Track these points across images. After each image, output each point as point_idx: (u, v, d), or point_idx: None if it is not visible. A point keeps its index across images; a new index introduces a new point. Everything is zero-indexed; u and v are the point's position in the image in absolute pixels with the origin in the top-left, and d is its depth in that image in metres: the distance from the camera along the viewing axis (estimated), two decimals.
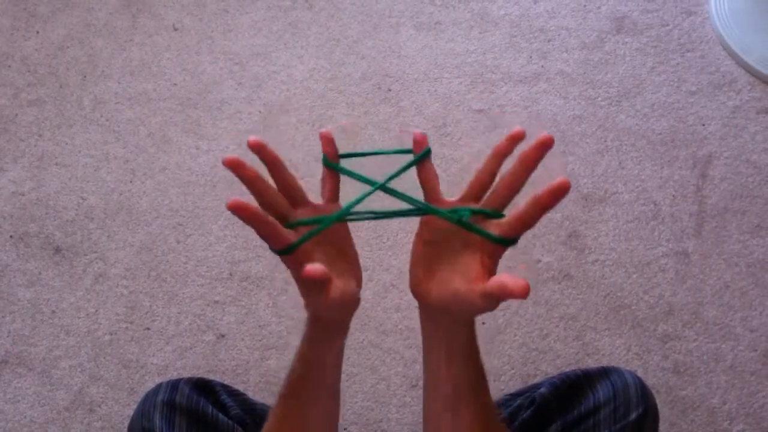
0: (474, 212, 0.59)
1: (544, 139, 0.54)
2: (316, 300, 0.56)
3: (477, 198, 0.61)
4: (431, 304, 0.61)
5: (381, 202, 0.61)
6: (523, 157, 0.56)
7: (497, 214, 0.58)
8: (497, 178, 0.60)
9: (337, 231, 0.63)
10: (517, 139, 0.59)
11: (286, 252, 0.56)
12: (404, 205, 0.61)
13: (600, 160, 1.37)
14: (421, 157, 0.61)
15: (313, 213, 0.61)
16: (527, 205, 0.54)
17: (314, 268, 0.49)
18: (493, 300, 0.52)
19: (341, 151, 0.63)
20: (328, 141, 0.62)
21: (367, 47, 1.51)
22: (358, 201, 0.58)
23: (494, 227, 0.58)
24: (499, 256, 0.59)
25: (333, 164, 0.62)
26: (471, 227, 0.58)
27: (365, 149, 0.66)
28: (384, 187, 0.61)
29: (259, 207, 0.55)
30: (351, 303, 0.62)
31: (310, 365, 0.64)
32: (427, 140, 0.61)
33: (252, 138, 0.58)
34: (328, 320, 0.62)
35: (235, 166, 0.56)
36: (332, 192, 0.63)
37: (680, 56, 1.48)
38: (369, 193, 0.59)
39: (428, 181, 0.62)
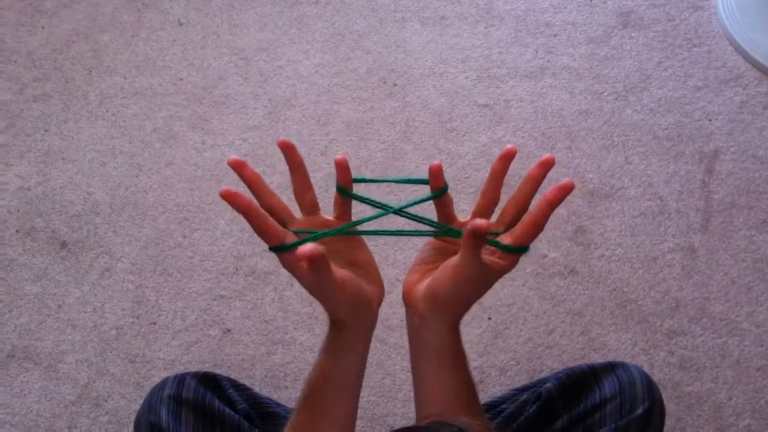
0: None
1: (546, 159, 0.59)
2: (325, 290, 0.57)
3: (486, 217, 0.63)
4: (420, 300, 0.62)
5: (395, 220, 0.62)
6: (527, 178, 0.60)
7: (497, 233, 0.61)
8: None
9: (350, 245, 0.64)
10: (509, 157, 0.61)
11: (279, 250, 0.58)
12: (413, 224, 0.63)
13: (606, 156, 1.37)
14: (438, 195, 0.63)
15: (320, 224, 0.63)
16: (536, 207, 0.57)
17: (304, 247, 0.49)
18: (475, 244, 0.54)
19: (354, 176, 0.63)
20: (343, 169, 0.62)
21: (373, 42, 1.51)
22: (362, 221, 0.61)
23: (507, 237, 0.60)
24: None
25: (346, 191, 0.62)
26: (486, 240, 0.59)
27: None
28: (396, 211, 0.62)
29: (252, 199, 0.57)
30: (362, 298, 0.62)
31: (326, 379, 0.64)
32: (442, 172, 0.62)
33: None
34: (344, 323, 0.62)
35: (238, 167, 0.59)
36: (342, 213, 0.64)
37: (687, 51, 1.47)
38: (376, 216, 0.61)
39: (443, 207, 0.64)
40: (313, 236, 0.59)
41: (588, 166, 1.36)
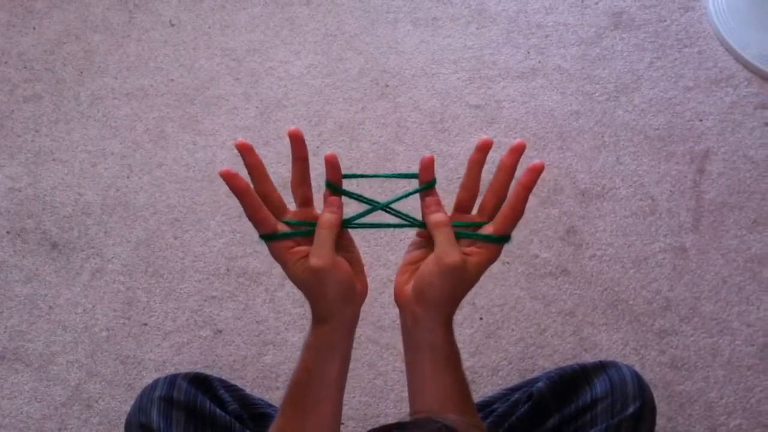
0: (461, 226, 0.62)
1: (517, 145, 0.60)
2: (320, 259, 0.59)
3: (467, 209, 0.64)
4: (411, 299, 0.63)
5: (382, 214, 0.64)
6: (501, 165, 0.61)
7: (481, 224, 0.62)
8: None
9: (340, 241, 0.65)
10: (485, 148, 0.62)
11: (270, 239, 0.59)
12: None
13: (597, 156, 1.37)
14: (426, 188, 0.63)
15: (312, 218, 0.63)
16: (512, 193, 0.59)
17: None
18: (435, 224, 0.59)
19: (344, 172, 0.64)
20: (333, 166, 0.63)
21: (365, 43, 1.51)
22: (355, 217, 0.62)
23: (489, 227, 0.61)
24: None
25: (335, 187, 0.63)
26: (464, 233, 0.61)
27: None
28: (383, 208, 0.64)
29: (249, 183, 0.58)
30: (351, 284, 0.62)
31: (310, 375, 0.64)
32: (433, 165, 0.63)
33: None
34: (328, 316, 0.63)
35: (245, 150, 0.59)
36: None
37: (678, 52, 1.47)
38: (366, 213, 0.63)
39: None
40: (299, 231, 0.60)
41: (579, 166, 1.36)
